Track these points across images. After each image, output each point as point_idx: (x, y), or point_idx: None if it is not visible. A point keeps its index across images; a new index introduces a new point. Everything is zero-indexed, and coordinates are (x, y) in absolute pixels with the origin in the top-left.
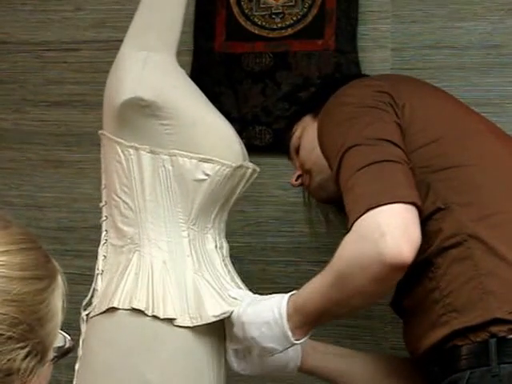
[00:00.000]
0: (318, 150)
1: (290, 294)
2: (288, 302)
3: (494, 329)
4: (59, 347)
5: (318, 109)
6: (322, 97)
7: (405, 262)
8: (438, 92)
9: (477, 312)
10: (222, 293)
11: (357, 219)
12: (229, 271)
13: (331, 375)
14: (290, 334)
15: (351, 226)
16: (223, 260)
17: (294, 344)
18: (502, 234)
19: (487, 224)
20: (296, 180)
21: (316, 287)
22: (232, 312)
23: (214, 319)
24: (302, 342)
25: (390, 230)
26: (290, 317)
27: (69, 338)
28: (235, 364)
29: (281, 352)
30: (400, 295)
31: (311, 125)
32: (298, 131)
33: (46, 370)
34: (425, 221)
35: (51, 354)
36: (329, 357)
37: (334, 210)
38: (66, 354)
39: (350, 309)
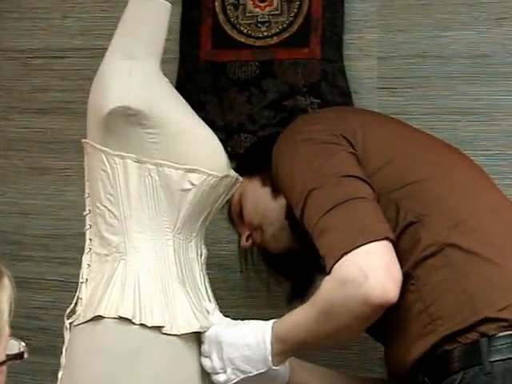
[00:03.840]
0: (263, 203)
1: (273, 321)
2: (272, 329)
3: (483, 328)
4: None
5: (250, 170)
6: (250, 158)
7: (391, 300)
8: (387, 118)
9: (464, 315)
10: (199, 306)
11: (334, 264)
12: (204, 281)
13: None
14: (270, 358)
15: (329, 271)
16: (201, 269)
17: (270, 369)
18: (476, 238)
19: (460, 230)
20: (247, 241)
21: (298, 320)
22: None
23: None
24: (278, 368)
25: (372, 272)
26: (272, 344)
27: (23, 343)
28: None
29: (254, 375)
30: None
31: (248, 185)
32: (235, 197)
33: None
34: (399, 237)
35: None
36: (315, 375)
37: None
38: (19, 359)
39: (332, 342)
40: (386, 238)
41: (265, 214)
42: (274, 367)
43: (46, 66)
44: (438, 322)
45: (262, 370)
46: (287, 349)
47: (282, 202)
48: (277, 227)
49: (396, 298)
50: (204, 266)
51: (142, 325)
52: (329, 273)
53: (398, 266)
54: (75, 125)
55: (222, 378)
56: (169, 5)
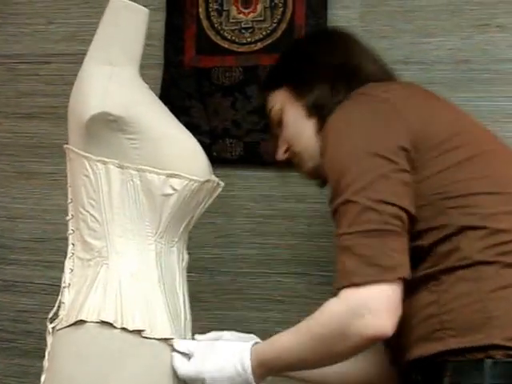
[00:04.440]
0: (306, 137)
1: (252, 345)
2: (251, 354)
3: (492, 352)
4: None
5: (295, 82)
6: (296, 66)
7: (387, 336)
8: (452, 106)
9: (478, 336)
10: (174, 312)
11: (345, 287)
12: (183, 286)
13: None
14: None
15: (337, 291)
16: (181, 275)
17: None
18: None
19: (500, 251)
20: (284, 153)
21: (286, 346)
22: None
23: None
24: None
25: (376, 310)
26: (253, 369)
27: None
28: None
29: None
30: None
31: (292, 103)
32: (277, 104)
33: None
34: (440, 241)
35: None
36: None
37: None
38: None
39: (318, 367)
40: (400, 279)
41: (307, 148)
42: None
43: (31, 72)
44: (450, 333)
45: None
46: (270, 372)
47: None
48: (317, 162)
49: (391, 333)
50: (184, 272)
51: (123, 329)
52: (336, 293)
53: (400, 307)
54: (61, 129)
55: None
56: (147, 11)
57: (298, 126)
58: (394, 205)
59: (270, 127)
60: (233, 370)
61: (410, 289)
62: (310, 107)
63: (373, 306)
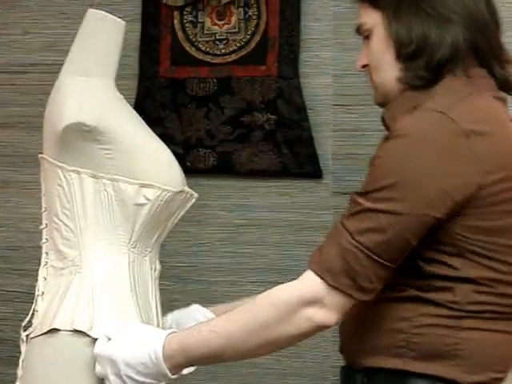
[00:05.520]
0: (385, 68)
1: (168, 334)
2: (167, 343)
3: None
4: None
5: (387, 7)
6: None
7: (331, 326)
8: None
9: (439, 366)
10: (147, 321)
11: (314, 273)
12: (155, 295)
13: None
14: (168, 372)
15: (307, 266)
16: (154, 284)
17: (170, 379)
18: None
19: (490, 309)
20: (361, 67)
21: (214, 333)
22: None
23: None
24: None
25: (329, 308)
26: (169, 358)
27: None
28: None
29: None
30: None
31: (381, 30)
32: (367, 23)
33: None
34: (440, 276)
35: None
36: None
37: None
38: None
39: (247, 357)
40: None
41: (384, 81)
42: (174, 376)
43: (7, 81)
44: (412, 354)
45: (164, 382)
46: (189, 362)
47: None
48: (389, 92)
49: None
50: (157, 281)
51: (96, 337)
52: (306, 271)
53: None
54: (36, 139)
55: None
56: (123, 23)
57: (379, 52)
58: (408, 244)
59: (355, 31)
60: (146, 357)
61: (393, 298)
62: (400, 47)
63: (329, 304)
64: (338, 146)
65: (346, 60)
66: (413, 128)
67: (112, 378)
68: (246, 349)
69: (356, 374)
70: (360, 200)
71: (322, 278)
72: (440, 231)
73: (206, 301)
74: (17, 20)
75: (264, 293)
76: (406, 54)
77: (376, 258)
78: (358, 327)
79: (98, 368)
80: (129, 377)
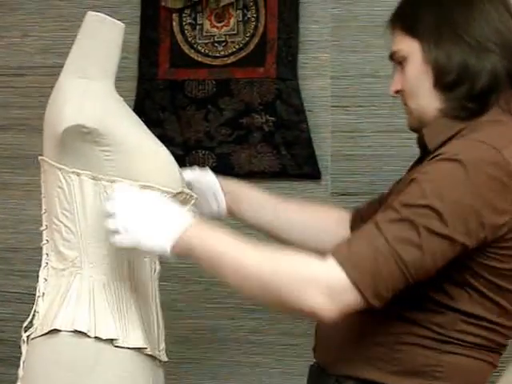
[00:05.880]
0: (422, 95)
1: (193, 224)
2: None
3: None
4: None
5: (426, 36)
6: (428, 19)
7: (320, 321)
8: None
9: (415, 381)
10: (146, 321)
11: (338, 262)
12: (155, 296)
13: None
14: (168, 251)
15: (333, 251)
16: (153, 285)
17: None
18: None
19: (476, 341)
20: (395, 92)
21: (228, 254)
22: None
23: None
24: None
25: (337, 301)
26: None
27: None
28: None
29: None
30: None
31: (419, 58)
32: (403, 50)
33: None
34: (437, 305)
35: None
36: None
37: None
38: None
39: (239, 289)
40: (370, 303)
41: (419, 107)
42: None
43: (6, 84)
44: (392, 368)
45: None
46: (188, 255)
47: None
48: (426, 117)
49: (329, 322)
50: (156, 282)
51: (96, 338)
52: (330, 254)
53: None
54: (36, 141)
55: (118, 238)
56: (123, 25)
57: (416, 79)
58: (434, 267)
59: (389, 56)
60: (162, 228)
61: (381, 313)
62: (440, 75)
63: (339, 300)
64: (336, 147)
65: (344, 62)
66: (468, 156)
67: (123, 219)
68: (245, 285)
69: (329, 377)
70: (402, 210)
71: (346, 272)
72: (456, 261)
73: (207, 301)
74: (15, 23)
75: (291, 255)
76: (445, 82)
77: (405, 271)
78: (338, 334)
79: (111, 205)
80: (135, 230)
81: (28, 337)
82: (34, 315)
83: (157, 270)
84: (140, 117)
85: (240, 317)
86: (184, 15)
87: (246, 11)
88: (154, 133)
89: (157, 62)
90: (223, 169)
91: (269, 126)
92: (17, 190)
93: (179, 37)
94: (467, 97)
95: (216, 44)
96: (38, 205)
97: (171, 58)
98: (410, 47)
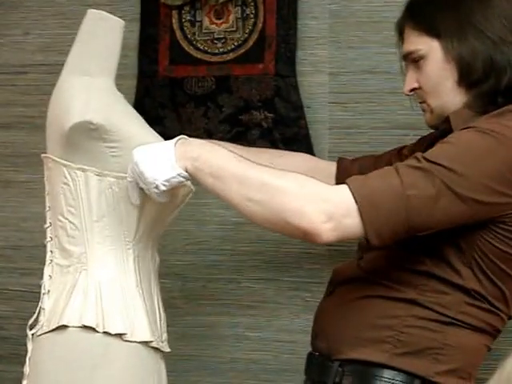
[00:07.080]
0: (445, 92)
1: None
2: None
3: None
4: None
5: (448, 35)
6: (449, 18)
7: (314, 240)
8: None
9: (418, 365)
10: (152, 315)
11: (351, 188)
12: (157, 289)
13: None
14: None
15: (346, 181)
16: (155, 277)
17: (178, 175)
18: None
19: (478, 323)
20: (411, 91)
21: (228, 170)
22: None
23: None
24: (185, 176)
25: (337, 224)
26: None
27: None
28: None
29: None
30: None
31: (439, 56)
32: (422, 50)
33: None
34: (441, 286)
35: None
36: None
37: None
38: None
39: (237, 204)
40: (367, 238)
41: (444, 104)
42: (181, 174)
43: (8, 82)
44: (397, 351)
45: (171, 177)
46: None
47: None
48: (447, 111)
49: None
50: (156, 273)
51: (105, 332)
52: (342, 182)
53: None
54: (37, 138)
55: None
56: (122, 22)
57: (437, 75)
58: (438, 222)
59: (402, 56)
60: (161, 150)
61: (388, 297)
62: (465, 73)
63: (340, 222)
64: (334, 143)
65: (342, 58)
66: (498, 130)
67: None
68: (249, 196)
69: (332, 362)
70: (424, 162)
71: (354, 198)
72: (465, 236)
73: (205, 298)
74: (17, 20)
75: (303, 175)
76: (471, 79)
77: (409, 217)
78: (342, 318)
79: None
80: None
81: (33, 334)
82: (39, 312)
83: (156, 262)
84: (140, 114)
85: (237, 314)
86: (183, 12)
87: (244, 8)
88: (154, 130)
89: (156, 60)
90: None
91: (267, 123)
92: (18, 188)
93: (178, 34)
94: (494, 92)
95: (215, 41)
96: (39, 202)
97: (171, 54)
98: (428, 46)
